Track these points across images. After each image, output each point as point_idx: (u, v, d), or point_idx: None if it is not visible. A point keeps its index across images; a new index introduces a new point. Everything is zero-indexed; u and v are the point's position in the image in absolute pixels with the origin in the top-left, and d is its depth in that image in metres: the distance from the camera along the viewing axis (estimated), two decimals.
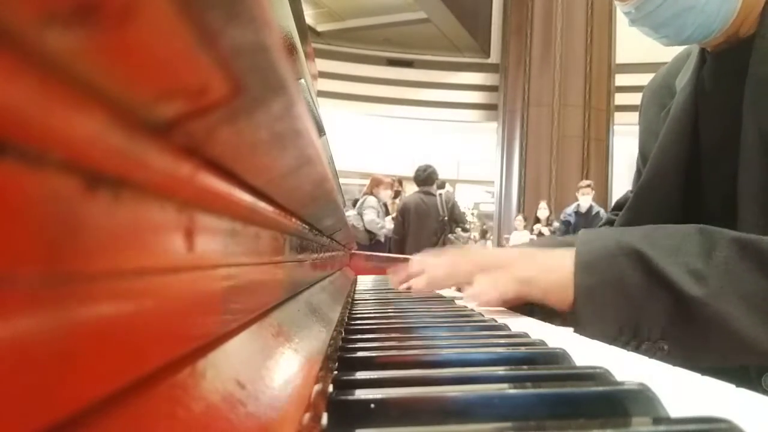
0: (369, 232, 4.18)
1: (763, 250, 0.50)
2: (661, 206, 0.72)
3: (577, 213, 4.79)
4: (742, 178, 0.62)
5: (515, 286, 0.58)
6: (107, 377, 0.11)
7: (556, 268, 0.57)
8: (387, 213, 4.48)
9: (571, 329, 0.53)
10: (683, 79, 0.75)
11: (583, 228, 0.67)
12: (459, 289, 0.76)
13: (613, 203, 0.97)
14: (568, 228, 4.70)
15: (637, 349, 0.51)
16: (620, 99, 6.92)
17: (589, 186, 4.89)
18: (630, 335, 0.52)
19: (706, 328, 0.50)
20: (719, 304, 0.49)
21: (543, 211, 5.44)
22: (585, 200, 4.82)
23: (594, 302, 0.54)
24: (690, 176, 0.71)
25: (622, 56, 7.04)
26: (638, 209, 0.76)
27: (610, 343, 0.46)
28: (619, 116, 6.94)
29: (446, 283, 0.71)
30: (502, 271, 0.58)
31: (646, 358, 0.35)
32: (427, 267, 0.70)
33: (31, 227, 0.08)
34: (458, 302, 0.66)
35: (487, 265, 0.60)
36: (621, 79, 7.04)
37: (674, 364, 0.34)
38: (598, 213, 4.62)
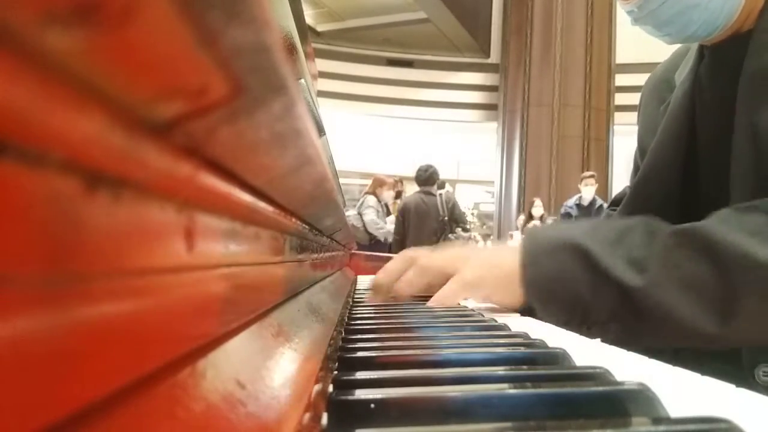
0: (368, 232, 4.18)
1: (701, 235, 0.52)
2: (659, 201, 0.72)
3: (578, 206, 4.55)
4: (733, 173, 0.62)
5: (465, 291, 0.59)
6: (107, 377, 0.11)
7: (502, 266, 0.58)
8: (388, 213, 4.48)
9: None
10: (682, 74, 0.74)
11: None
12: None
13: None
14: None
15: (588, 332, 0.53)
16: (620, 99, 6.91)
17: (592, 177, 4.63)
18: (579, 323, 0.54)
19: (648, 315, 0.52)
20: (659, 292, 0.51)
21: (537, 209, 5.35)
22: (588, 192, 4.55)
23: (540, 296, 0.56)
24: (688, 171, 0.71)
25: (622, 56, 7.03)
26: (636, 204, 0.76)
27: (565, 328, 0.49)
28: (619, 116, 6.93)
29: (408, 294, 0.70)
30: (452, 279, 0.59)
31: (646, 358, 0.35)
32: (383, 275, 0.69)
33: (30, 227, 0.08)
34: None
35: (438, 273, 0.61)
36: (621, 79, 7.03)
37: (621, 345, 0.35)
38: (601, 206, 4.35)
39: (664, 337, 0.54)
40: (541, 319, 0.54)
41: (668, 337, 0.54)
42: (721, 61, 0.68)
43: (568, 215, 4.50)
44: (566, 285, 0.55)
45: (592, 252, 0.54)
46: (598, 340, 0.51)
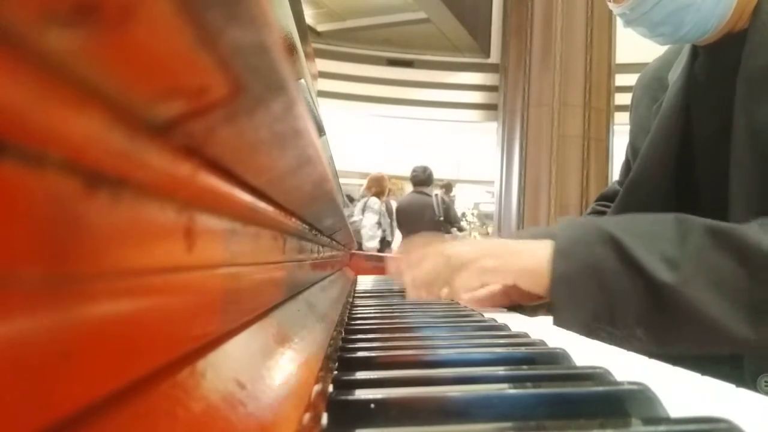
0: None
1: (735, 237, 0.51)
2: (652, 201, 0.72)
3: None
4: (732, 174, 0.62)
5: (480, 278, 0.59)
6: (107, 377, 0.11)
7: (528, 255, 0.58)
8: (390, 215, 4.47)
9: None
10: (675, 73, 0.74)
11: None
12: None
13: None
14: None
15: (612, 337, 0.52)
16: (620, 99, 6.89)
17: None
18: (605, 321, 0.53)
19: (678, 314, 0.51)
20: (691, 291, 0.50)
21: None
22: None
23: (570, 288, 0.55)
24: (682, 170, 0.71)
25: (622, 56, 7.02)
26: (628, 203, 0.75)
27: (587, 332, 0.47)
28: (619, 116, 6.90)
29: (428, 292, 0.69)
30: (468, 268, 0.59)
31: (646, 358, 0.35)
32: (408, 270, 0.69)
33: (30, 227, 0.08)
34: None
35: (457, 264, 0.60)
36: (621, 79, 7.01)
37: (650, 352, 0.34)
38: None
39: (690, 338, 0.52)
40: (562, 326, 0.51)
41: (694, 338, 0.52)
42: (718, 61, 0.68)
43: None
44: (597, 277, 0.53)
45: (625, 245, 0.53)
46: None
